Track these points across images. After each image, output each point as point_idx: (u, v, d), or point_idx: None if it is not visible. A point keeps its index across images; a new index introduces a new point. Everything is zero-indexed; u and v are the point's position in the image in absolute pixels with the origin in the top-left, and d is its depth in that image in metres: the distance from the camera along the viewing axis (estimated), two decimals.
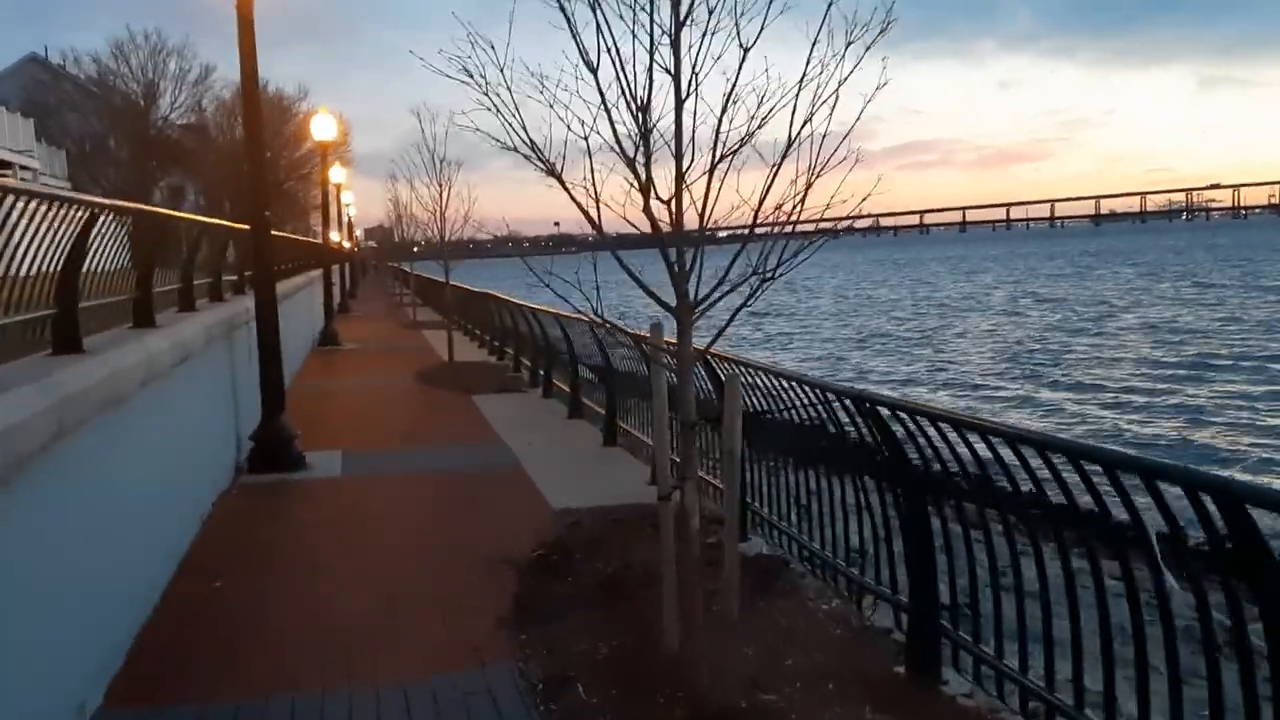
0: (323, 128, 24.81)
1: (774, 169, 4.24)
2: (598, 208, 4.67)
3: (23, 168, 33.87)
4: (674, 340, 4.74)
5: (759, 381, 6.30)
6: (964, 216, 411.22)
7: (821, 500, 6.01)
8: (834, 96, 4.14)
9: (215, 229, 10.63)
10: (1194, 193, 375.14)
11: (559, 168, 4.54)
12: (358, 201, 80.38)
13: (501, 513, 8.47)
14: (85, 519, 5.23)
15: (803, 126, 4.23)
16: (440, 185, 18.23)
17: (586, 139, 4.61)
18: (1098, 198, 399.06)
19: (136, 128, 53.61)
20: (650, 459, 9.77)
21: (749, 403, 7.07)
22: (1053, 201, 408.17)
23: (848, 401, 4.98)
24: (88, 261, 6.48)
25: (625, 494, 8.81)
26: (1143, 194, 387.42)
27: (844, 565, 5.72)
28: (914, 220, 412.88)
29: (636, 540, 7.34)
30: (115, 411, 5.79)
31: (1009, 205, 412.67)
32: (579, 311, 4.57)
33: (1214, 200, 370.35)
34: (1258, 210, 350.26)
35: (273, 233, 17.67)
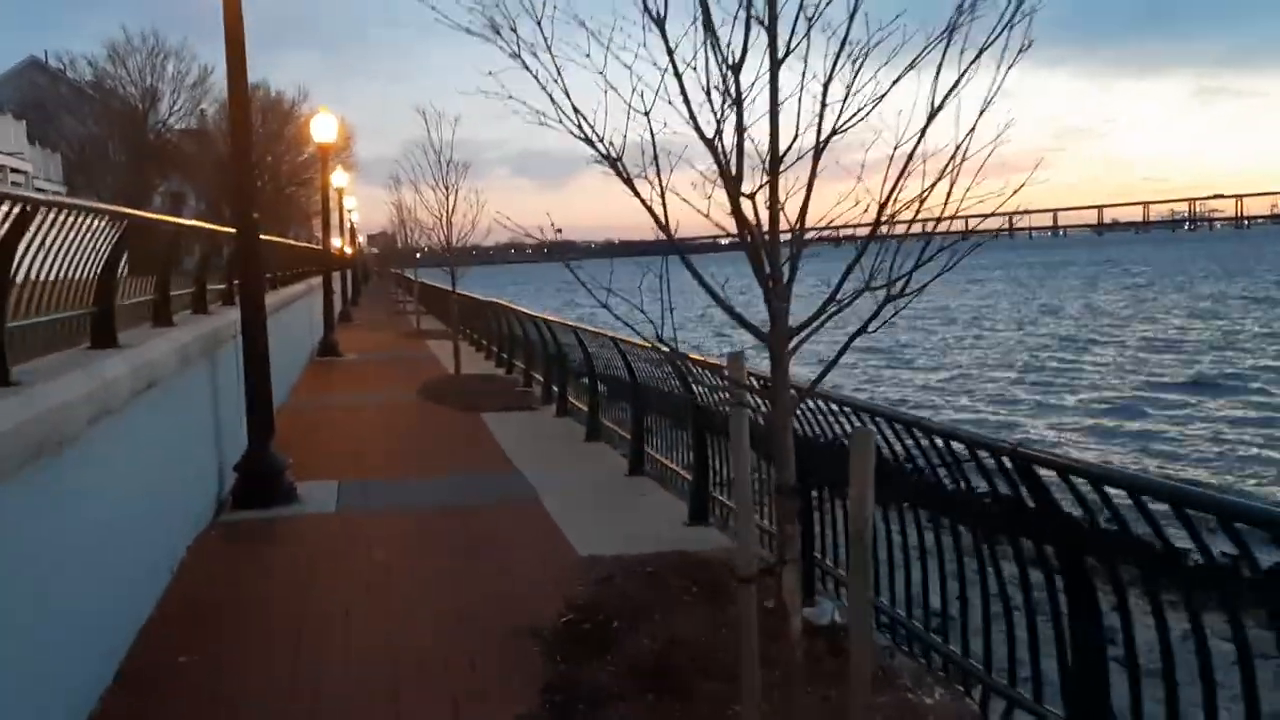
0: (323, 128, 23.74)
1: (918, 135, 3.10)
2: (664, 204, 3.54)
3: (14, 170, 32.76)
4: (756, 373, 3.62)
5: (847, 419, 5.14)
6: (966, 225, 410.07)
7: (929, 567, 4.87)
8: (1004, 33, 3.00)
9: (197, 232, 9.51)
10: (1196, 202, 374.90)
11: (617, 149, 3.41)
12: (361, 208, 79.40)
13: (520, 561, 7.32)
14: (13, 590, 4.12)
15: (955, 87, 3.10)
16: (446, 189, 17.11)
17: (648, 114, 3.49)
18: (1100, 207, 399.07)
19: (134, 132, 52.62)
20: (687, 492, 8.66)
21: (819, 430, 5.95)
22: (1055, 210, 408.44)
23: (987, 456, 3.85)
24: (35, 269, 5.40)
25: (660, 537, 7.67)
26: (1145, 203, 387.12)
27: (959, 655, 4.57)
28: (914, 229, 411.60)
29: (681, 604, 6.21)
30: (54, 455, 4.67)
31: (1011, 214, 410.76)
32: (644, 340, 3.39)
33: (1216, 210, 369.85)
34: (1260, 220, 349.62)
35: (267, 238, 16.59)
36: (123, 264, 7.27)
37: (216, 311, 10.35)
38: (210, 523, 8.53)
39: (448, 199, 17.12)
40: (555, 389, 14.60)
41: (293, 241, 24.52)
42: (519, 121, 3.62)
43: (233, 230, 9.45)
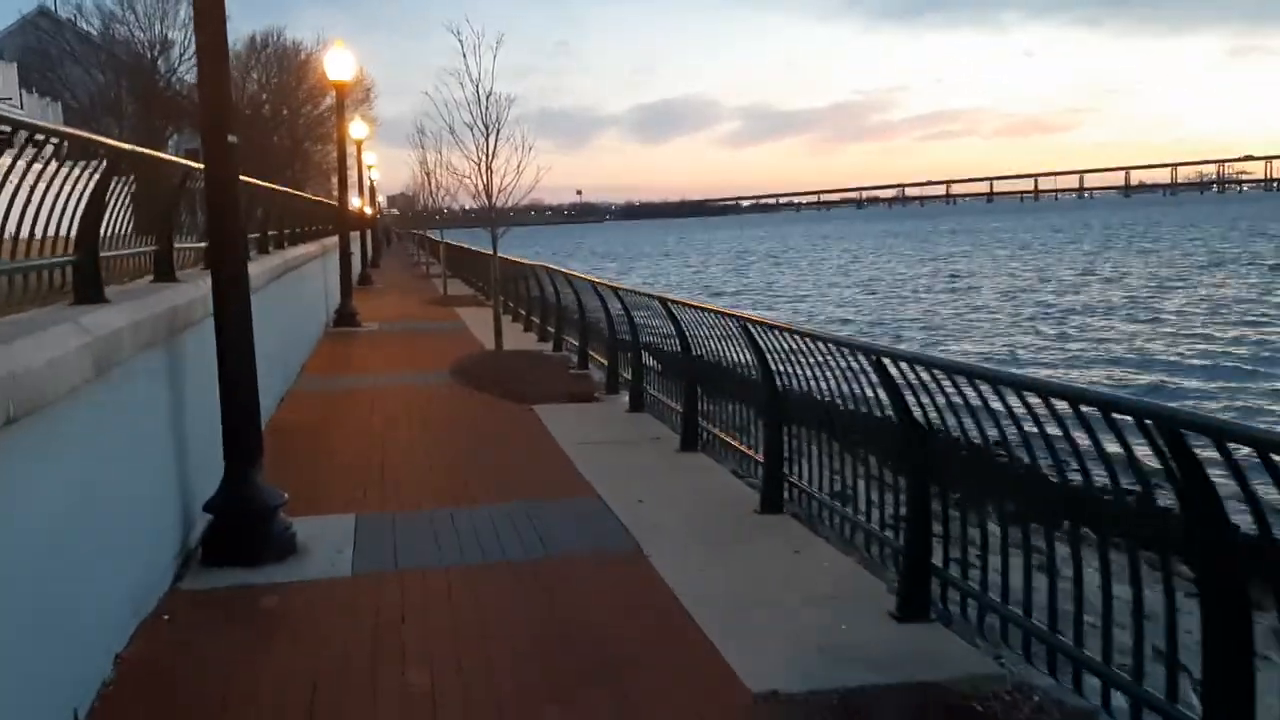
0: (338, 65, 20.76)
1: None
2: None
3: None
4: None
5: None
6: (991, 187, 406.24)
7: None
8: None
9: (151, 164, 6.59)
10: (1226, 165, 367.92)
11: None
12: (382, 169, 76.36)
13: (647, 693, 4.47)
14: None
15: None
16: (486, 128, 14.12)
17: None
18: (1127, 169, 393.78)
19: (144, 81, 49.71)
20: (863, 543, 5.81)
21: None
22: (1081, 172, 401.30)
23: None
24: None
25: (866, 647, 4.83)
26: (1173, 165, 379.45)
27: None
28: (940, 190, 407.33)
29: None
30: None
31: (1037, 175, 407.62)
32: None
33: (1245, 172, 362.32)
34: None
35: (269, 185, 13.66)
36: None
37: (188, 278, 7.49)
38: (167, 592, 5.75)
39: (487, 140, 14.14)
40: (627, 376, 11.72)
41: (304, 194, 21.52)
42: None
43: (199, 165, 6.53)
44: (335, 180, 23.22)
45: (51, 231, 5.28)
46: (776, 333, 6.87)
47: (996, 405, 4.50)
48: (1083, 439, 4.01)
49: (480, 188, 14.65)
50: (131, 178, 6.45)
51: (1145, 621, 3.89)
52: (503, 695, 4.47)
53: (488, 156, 14.31)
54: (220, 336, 6.24)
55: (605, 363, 12.96)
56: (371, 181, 56.98)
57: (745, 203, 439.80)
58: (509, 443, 9.78)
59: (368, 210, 49.38)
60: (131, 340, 5.33)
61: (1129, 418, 3.44)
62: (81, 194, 5.39)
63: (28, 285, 5.12)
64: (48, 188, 5.00)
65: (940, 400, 5.05)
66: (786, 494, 7.15)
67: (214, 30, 6.10)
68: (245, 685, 4.63)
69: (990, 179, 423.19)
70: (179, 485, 6.28)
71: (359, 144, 37.17)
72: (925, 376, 4.98)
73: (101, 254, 5.85)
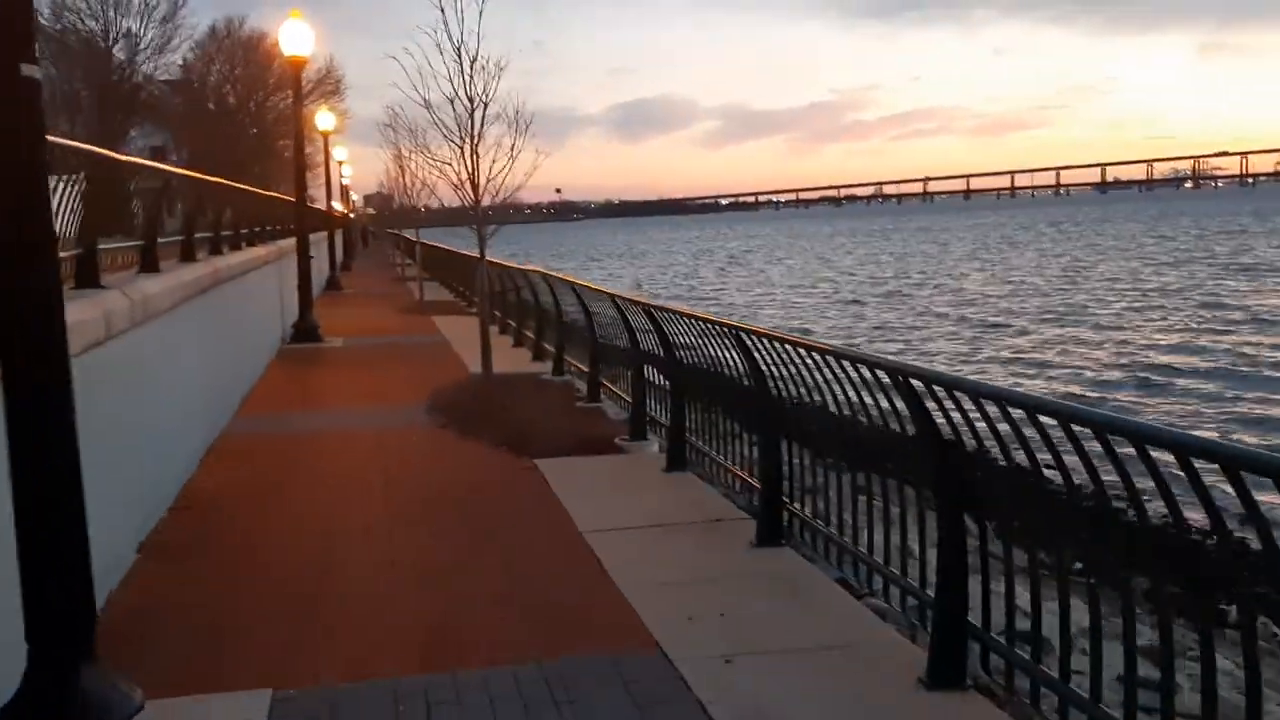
0: (294, 39, 17.86)
1: None
2: None
3: None
4: None
5: None
6: (968, 184, 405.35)
7: None
8: None
9: None
10: (1201, 160, 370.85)
11: None
12: (357, 168, 73.33)
13: None
14: None
15: None
16: (471, 102, 11.27)
17: None
18: (1103, 165, 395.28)
19: (98, 73, 46.52)
20: None
21: None
22: (1058, 169, 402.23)
23: None
24: None
25: None
26: (1149, 161, 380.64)
27: None
28: (918, 188, 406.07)
29: None
30: None
31: (1014, 173, 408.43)
32: None
33: (1220, 168, 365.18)
34: (1264, 178, 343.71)
35: (185, 172, 10.73)
36: None
37: None
38: None
39: (471, 115, 11.28)
40: (662, 420, 8.93)
41: (248, 188, 18.35)
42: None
43: None
44: (309, 179, 20.37)
45: None
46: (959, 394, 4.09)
47: None
48: None
49: (464, 178, 11.81)
50: None
51: None
52: None
53: (472, 139, 11.47)
54: (12, 444, 3.42)
55: (620, 392, 10.18)
56: (343, 178, 53.94)
57: (724, 201, 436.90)
58: (508, 530, 6.97)
59: (337, 206, 46.31)
60: None
61: None
62: None
63: None
64: None
65: None
66: (975, 645, 4.41)
67: None
68: None
69: (967, 176, 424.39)
70: None
71: (326, 135, 34.17)
72: None
73: None
